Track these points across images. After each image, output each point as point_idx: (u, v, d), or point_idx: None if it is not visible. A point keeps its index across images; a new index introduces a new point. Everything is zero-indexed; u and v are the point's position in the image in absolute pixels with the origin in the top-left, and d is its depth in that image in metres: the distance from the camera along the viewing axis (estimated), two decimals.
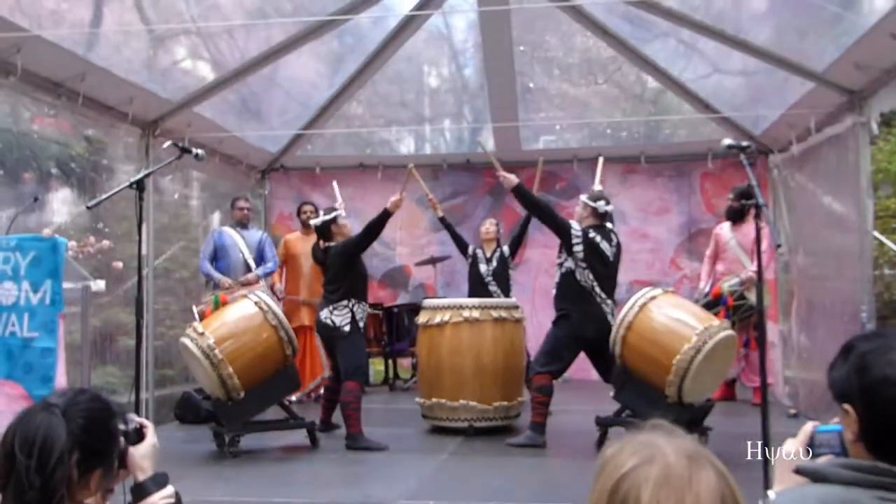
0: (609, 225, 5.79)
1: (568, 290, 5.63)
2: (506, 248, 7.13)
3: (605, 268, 5.62)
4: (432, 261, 8.95)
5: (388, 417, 6.98)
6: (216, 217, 8.43)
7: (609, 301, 5.61)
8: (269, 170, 9.66)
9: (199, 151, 4.61)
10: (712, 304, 6.90)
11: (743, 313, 6.96)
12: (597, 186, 6.13)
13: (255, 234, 7.65)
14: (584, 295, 5.57)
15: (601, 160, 6.45)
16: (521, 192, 5.64)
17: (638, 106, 9.93)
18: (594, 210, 5.70)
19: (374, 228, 5.82)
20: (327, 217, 5.97)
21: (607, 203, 5.74)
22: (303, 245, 7.89)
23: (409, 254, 9.71)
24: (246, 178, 9.15)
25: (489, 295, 6.86)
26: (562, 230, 5.58)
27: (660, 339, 5.10)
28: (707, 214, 9.17)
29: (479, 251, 7.21)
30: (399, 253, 9.78)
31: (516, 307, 6.34)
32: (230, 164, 8.61)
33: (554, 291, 5.78)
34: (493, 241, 7.20)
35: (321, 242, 5.98)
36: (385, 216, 5.83)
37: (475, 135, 9.81)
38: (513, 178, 5.68)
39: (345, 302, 5.76)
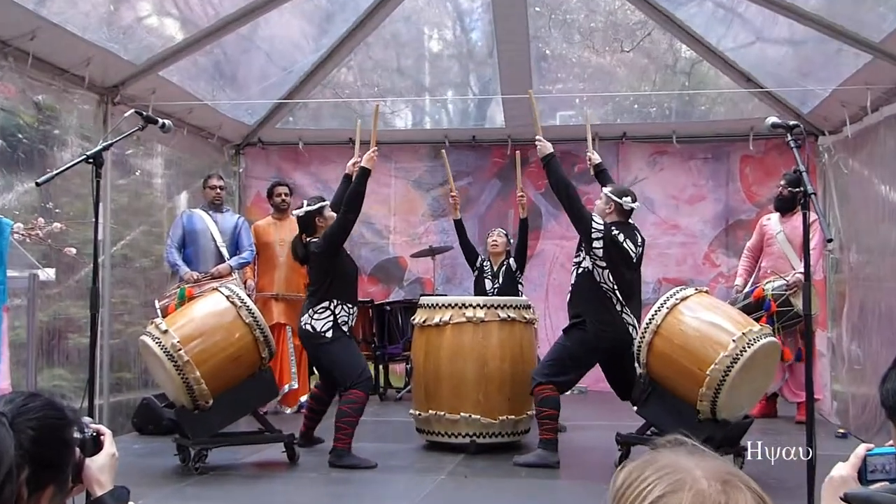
0: (632, 222, 5.82)
1: (584, 293, 5.65)
2: (512, 262, 7.15)
3: (628, 270, 5.64)
4: (431, 252, 8.95)
5: (378, 431, 6.99)
6: (184, 198, 8.42)
7: (630, 309, 5.62)
8: (245, 144, 9.64)
9: (166, 122, 4.60)
10: (753, 307, 6.91)
11: (788, 320, 6.97)
12: (593, 155, 6.19)
13: (230, 217, 7.65)
14: (602, 300, 5.58)
15: (588, 125, 6.57)
16: (551, 166, 5.71)
17: (669, 78, 9.92)
18: (619, 206, 5.71)
19: (355, 197, 5.71)
20: (312, 207, 5.89)
21: (634, 199, 5.76)
22: (276, 232, 7.89)
23: (404, 243, 9.71)
24: (219, 154, 9.14)
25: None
26: (582, 221, 5.59)
27: (691, 346, 5.11)
28: (747, 204, 9.18)
29: (486, 264, 7.25)
30: (393, 242, 9.78)
31: (527, 307, 6.36)
32: (201, 137, 8.60)
33: (569, 294, 5.80)
34: (502, 254, 7.23)
35: (303, 237, 5.93)
36: (364, 177, 5.73)
37: (482, 108, 9.81)
38: (548, 146, 5.78)
39: (325, 304, 5.71)
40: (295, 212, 6.03)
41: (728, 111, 9.60)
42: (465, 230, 7.42)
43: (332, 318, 5.68)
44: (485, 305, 6.12)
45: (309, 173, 9.76)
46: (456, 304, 6.17)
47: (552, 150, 5.77)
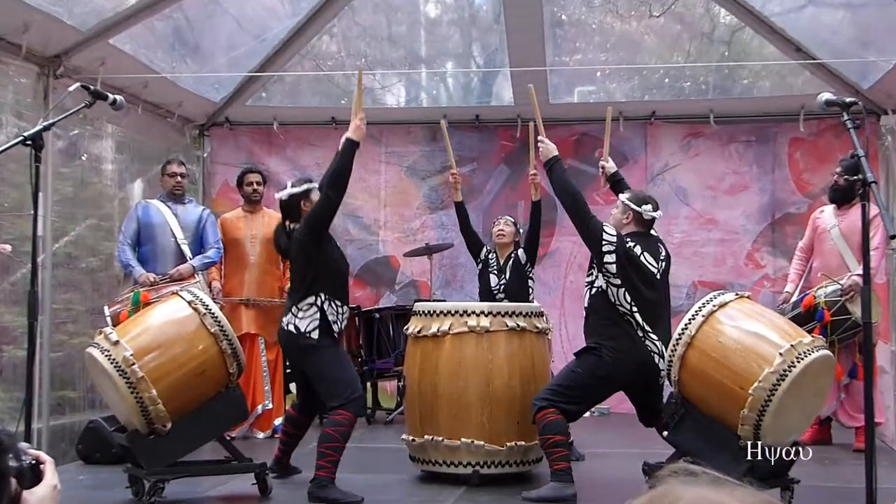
0: (654, 233, 5.82)
1: (599, 316, 5.66)
2: (521, 253, 7.14)
3: (649, 289, 5.63)
4: (428, 250, 8.95)
5: (365, 460, 6.99)
6: (139, 187, 8.41)
7: (655, 335, 5.61)
8: (210, 124, 9.65)
9: (117, 98, 4.60)
10: (804, 318, 6.90)
11: (845, 331, 6.97)
12: (606, 163, 6.22)
13: (194, 210, 7.66)
14: (619, 324, 5.57)
15: (609, 113, 6.55)
16: (555, 170, 5.74)
17: (706, 48, 9.92)
18: (638, 216, 5.71)
19: (340, 173, 5.68)
20: (297, 189, 5.85)
21: (656, 208, 5.76)
22: (246, 227, 7.89)
23: (396, 240, 9.72)
24: (179, 136, 9.14)
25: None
26: (590, 232, 5.59)
27: (731, 361, 5.11)
28: (797, 195, 9.19)
29: (491, 256, 7.25)
30: (383, 239, 9.79)
31: (540, 314, 6.35)
32: (158, 115, 8.59)
33: (584, 319, 5.82)
34: (510, 245, 7.23)
35: (287, 223, 5.92)
36: (349, 150, 5.70)
37: (487, 82, 9.81)
38: (552, 148, 5.81)
39: (311, 299, 5.70)
40: (278, 195, 5.99)
41: (775, 86, 9.60)
42: (467, 214, 7.43)
43: (319, 315, 5.66)
44: (490, 313, 6.11)
45: (285, 158, 9.76)
46: (456, 312, 6.16)
47: (556, 153, 5.81)
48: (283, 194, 5.89)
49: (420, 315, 6.33)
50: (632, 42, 9.83)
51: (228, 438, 6.04)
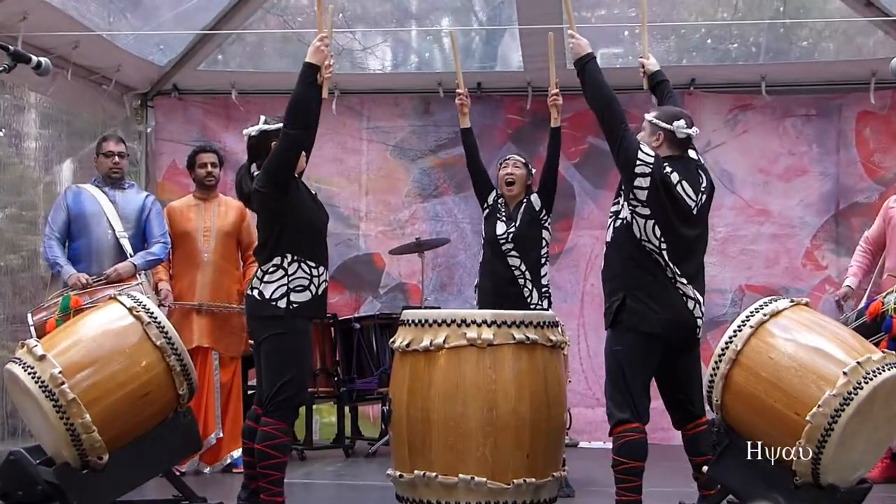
0: (694, 155, 5.78)
1: (620, 256, 5.64)
2: (535, 198, 7.13)
3: (685, 225, 5.61)
4: (419, 247, 8.95)
5: (344, 499, 7.01)
6: (68, 168, 8.42)
7: (686, 281, 5.57)
8: (155, 93, 9.66)
9: (42, 60, 4.59)
10: (869, 329, 6.91)
11: None
12: (647, 60, 6.20)
13: (135, 197, 7.63)
14: (645, 265, 5.56)
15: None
16: (588, 70, 5.70)
17: (758, 2, 9.94)
18: (669, 135, 5.68)
19: (298, 102, 5.72)
20: (269, 126, 5.87)
21: (690, 124, 5.70)
22: (198, 217, 7.87)
23: (380, 235, 9.75)
24: (118, 107, 9.15)
25: (505, 267, 6.95)
26: (624, 148, 5.52)
27: (785, 381, 5.12)
28: (866, 181, 9.21)
29: (500, 201, 7.23)
30: (364, 233, 9.81)
31: (554, 324, 6.35)
32: (92, 82, 8.59)
33: (603, 262, 5.79)
34: (521, 192, 7.21)
35: (252, 166, 5.89)
36: (309, 74, 5.73)
37: (492, 43, 9.82)
38: (585, 44, 5.73)
39: (276, 260, 5.67)
40: (246, 130, 5.96)
41: (840, 48, 9.64)
42: (475, 144, 7.44)
43: (285, 279, 5.65)
44: (494, 322, 6.09)
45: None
46: (453, 321, 6.14)
47: (590, 49, 5.73)
48: (253, 130, 5.87)
49: (409, 325, 6.33)
50: None
51: (177, 473, 6.06)
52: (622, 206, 5.60)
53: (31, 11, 7.26)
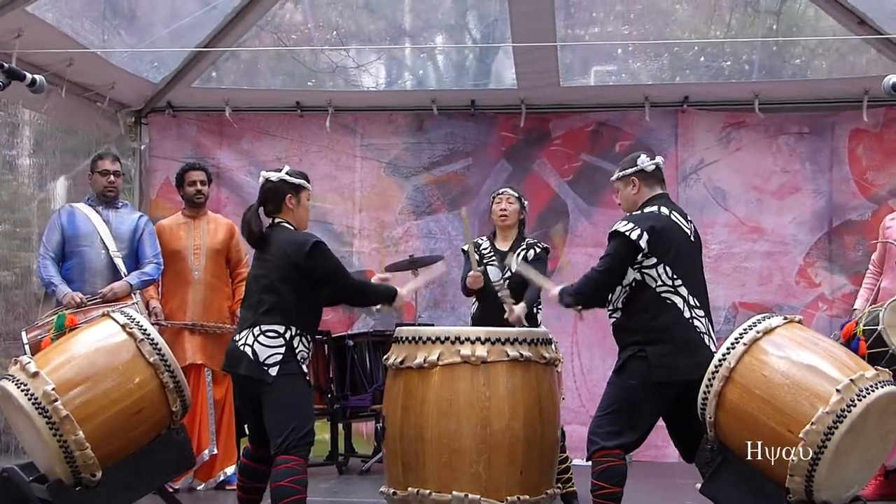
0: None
1: (637, 312, 5.68)
2: (528, 254, 7.11)
3: (690, 250, 5.71)
4: (412, 264, 8.93)
5: None
6: (61, 187, 8.41)
7: (702, 312, 5.66)
8: (148, 110, 9.66)
9: (37, 78, 4.60)
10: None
11: (885, 366, 6.91)
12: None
13: (129, 216, 7.64)
14: (665, 311, 5.61)
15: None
16: (571, 299, 5.90)
17: (751, 20, 9.96)
18: (640, 174, 5.81)
19: (364, 295, 6.30)
20: (291, 178, 5.83)
21: (651, 157, 5.84)
22: (188, 236, 7.89)
23: (374, 252, 9.75)
24: (112, 124, 9.15)
25: (499, 311, 6.89)
26: (622, 262, 5.67)
27: (778, 398, 5.12)
28: (860, 198, 9.23)
29: (486, 248, 7.20)
30: (358, 250, 9.80)
31: (548, 342, 6.37)
32: (86, 99, 8.60)
33: (614, 318, 5.82)
34: (513, 227, 7.23)
35: (264, 210, 5.86)
36: (384, 297, 6.18)
37: (485, 61, 9.83)
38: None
39: (280, 328, 5.72)
40: (265, 173, 5.89)
41: (833, 66, 9.65)
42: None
43: (284, 347, 5.65)
44: (488, 339, 6.11)
45: (240, 151, 9.77)
46: (447, 338, 6.15)
47: (555, 291, 6.02)
48: (273, 175, 5.82)
49: (403, 342, 6.33)
50: (660, 12, 9.86)
51: (171, 490, 6.04)
52: (626, 276, 5.67)
53: (25, 29, 7.27)
